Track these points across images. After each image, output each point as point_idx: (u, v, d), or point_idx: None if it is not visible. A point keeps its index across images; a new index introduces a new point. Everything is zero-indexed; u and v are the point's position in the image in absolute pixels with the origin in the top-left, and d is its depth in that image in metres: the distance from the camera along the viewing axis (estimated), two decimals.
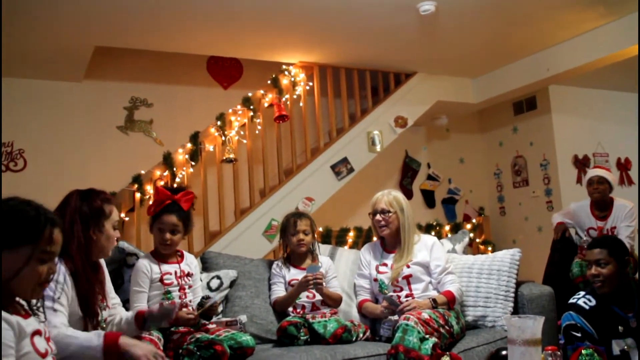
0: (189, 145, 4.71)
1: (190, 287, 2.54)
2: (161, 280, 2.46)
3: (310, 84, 5.25)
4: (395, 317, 2.57)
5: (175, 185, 4.29)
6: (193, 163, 4.70)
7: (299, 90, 5.18)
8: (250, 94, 4.98)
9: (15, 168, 4.72)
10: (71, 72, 4.80)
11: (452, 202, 6.62)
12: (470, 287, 2.91)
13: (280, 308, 2.79)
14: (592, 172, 4.30)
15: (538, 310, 2.84)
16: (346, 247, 4.98)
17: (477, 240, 6.25)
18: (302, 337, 2.53)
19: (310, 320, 2.62)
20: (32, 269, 1.42)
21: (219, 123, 4.79)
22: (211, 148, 4.86)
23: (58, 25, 3.99)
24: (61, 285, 1.89)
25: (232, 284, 2.81)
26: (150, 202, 2.59)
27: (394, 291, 2.78)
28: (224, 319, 2.57)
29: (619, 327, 2.33)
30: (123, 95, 5.18)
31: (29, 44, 4.21)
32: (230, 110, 4.94)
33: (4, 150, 4.67)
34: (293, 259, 2.89)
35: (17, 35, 4.03)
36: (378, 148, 5.31)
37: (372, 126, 5.33)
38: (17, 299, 1.47)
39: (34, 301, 1.54)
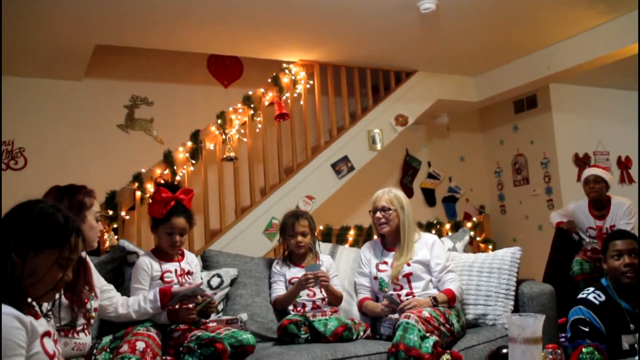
0: (189, 143, 4.71)
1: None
2: (161, 278, 2.47)
3: (311, 82, 5.25)
4: (396, 316, 2.57)
5: (176, 183, 4.29)
6: (193, 161, 4.70)
7: (300, 88, 5.18)
8: (250, 93, 4.98)
9: (15, 166, 4.72)
10: (72, 70, 4.80)
11: (452, 200, 6.62)
12: (470, 285, 2.90)
13: (280, 306, 2.79)
14: (588, 172, 4.28)
15: (539, 309, 2.84)
16: (347, 246, 4.98)
17: (478, 238, 6.25)
18: (302, 336, 2.53)
19: (311, 318, 2.62)
20: (52, 274, 1.44)
21: (219, 121, 4.79)
22: (212, 146, 4.86)
23: (58, 23, 3.99)
24: None
25: (233, 282, 2.81)
26: (150, 201, 2.59)
27: (394, 289, 2.78)
28: (225, 317, 2.57)
29: (631, 325, 2.34)
30: (123, 94, 5.18)
31: (30, 42, 4.21)
32: (230, 109, 4.94)
33: (4, 149, 4.67)
34: (293, 257, 2.89)
35: (18, 33, 4.03)
36: (378, 146, 5.31)
37: (373, 124, 5.33)
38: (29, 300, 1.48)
39: (45, 305, 1.55)
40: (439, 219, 6.28)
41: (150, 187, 4.50)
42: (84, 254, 2.19)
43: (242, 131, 4.96)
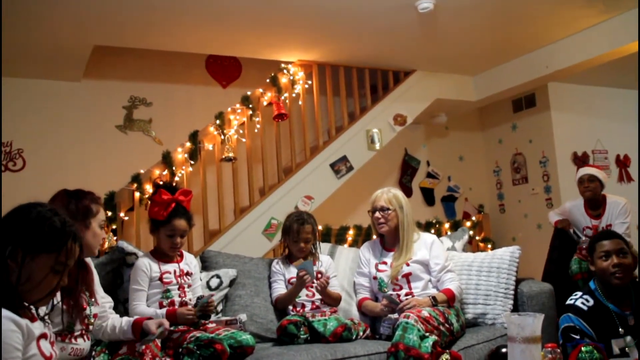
0: (188, 144, 4.70)
1: (189, 286, 2.55)
2: (160, 279, 2.47)
3: (309, 82, 5.25)
4: (395, 315, 2.58)
5: (174, 184, 4.28)
6: (192, 162, 4.69)
7: (298, 88, 5.18)
8: (249, 93, 4.97)
9: (14, 168, 4.71)
10: (70, 71, 4.79)
11: (451, 199, 6.62)
12: (470, 284, 2.91)
13: (281, 306, 2.79)
14: (582, 171, 4.28)
15: (538, 308, 2.84)
16: (346, 246, 4.99)
17: (477, 237, 6.25)
18: (302, 336, 2.53)
19: (310, 318, 2.62)
20: (47, 279, 1.44)
21: (218, 122, 4.78)
22: (210, 147, 4.86)
23: (57, 24, 3.99)
24: None
25: (232, 282, 2.81)
26: (150, 203, 2.59)
27: (394, 289, 2.78)
28: (224, 318, 2.57)
29: (620, 330, 2.32)
30: (122, 95, 5.17)
31: (28, 43, 4.21)
32: (229, 109, 4.93)
33: (3, 150, 4.66)
34: (293, 257, 2.89)
35: (16, 34, 4.02)
36: (377, 146, 5.31)
37: (372, 124, 5.32)
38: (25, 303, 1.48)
39: (42, 309, 1.55)
40: (438, 219, 6.28)
41: (149, 188, 4.50)
42: (87, 259, 2.18)
43: (241, 131, 4.95)
